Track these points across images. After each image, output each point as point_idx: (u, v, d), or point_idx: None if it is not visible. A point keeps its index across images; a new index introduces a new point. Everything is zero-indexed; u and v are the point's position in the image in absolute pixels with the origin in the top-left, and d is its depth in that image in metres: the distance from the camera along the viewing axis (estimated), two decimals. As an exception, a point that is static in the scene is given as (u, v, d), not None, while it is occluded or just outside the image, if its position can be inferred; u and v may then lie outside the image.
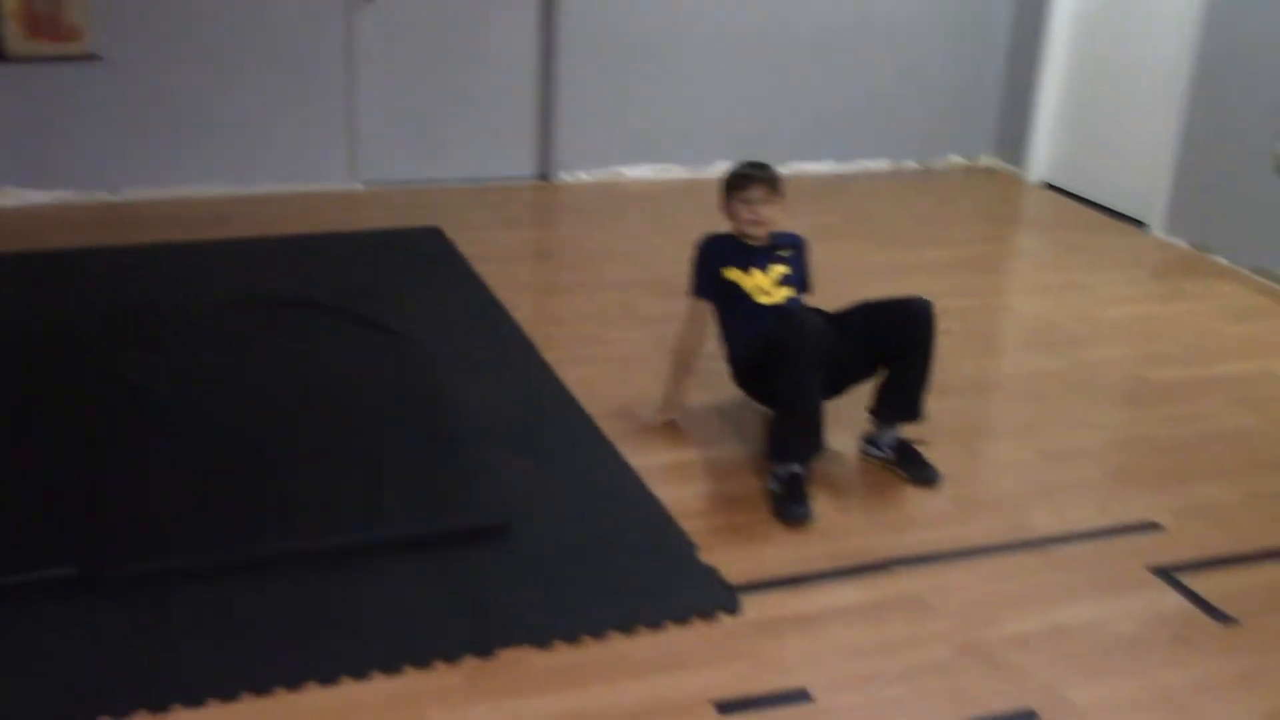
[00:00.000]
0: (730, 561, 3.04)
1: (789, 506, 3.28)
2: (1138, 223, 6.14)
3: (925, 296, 3.51)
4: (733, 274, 3.62)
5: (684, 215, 5.95)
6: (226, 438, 3.49)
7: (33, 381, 3.78)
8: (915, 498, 3.45)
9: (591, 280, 5.05)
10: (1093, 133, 6.55)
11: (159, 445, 3.43)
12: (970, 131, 7.15)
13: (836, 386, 3.53)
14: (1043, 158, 6.86)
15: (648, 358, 4.23)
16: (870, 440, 3.63)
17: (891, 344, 3.49)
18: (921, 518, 3.35)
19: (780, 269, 3.66)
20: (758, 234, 3.64)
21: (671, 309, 4.71)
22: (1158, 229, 5.98)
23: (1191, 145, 5.78)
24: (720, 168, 6.60)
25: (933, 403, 3.58)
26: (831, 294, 5.04)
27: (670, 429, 3.75)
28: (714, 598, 2.89)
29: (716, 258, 3.66)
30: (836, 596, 2.95)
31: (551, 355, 4.22)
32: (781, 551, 3.13)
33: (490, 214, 5.87)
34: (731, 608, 2.86)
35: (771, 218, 3.64)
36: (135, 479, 3.23)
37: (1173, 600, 2.99)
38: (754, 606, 2.88)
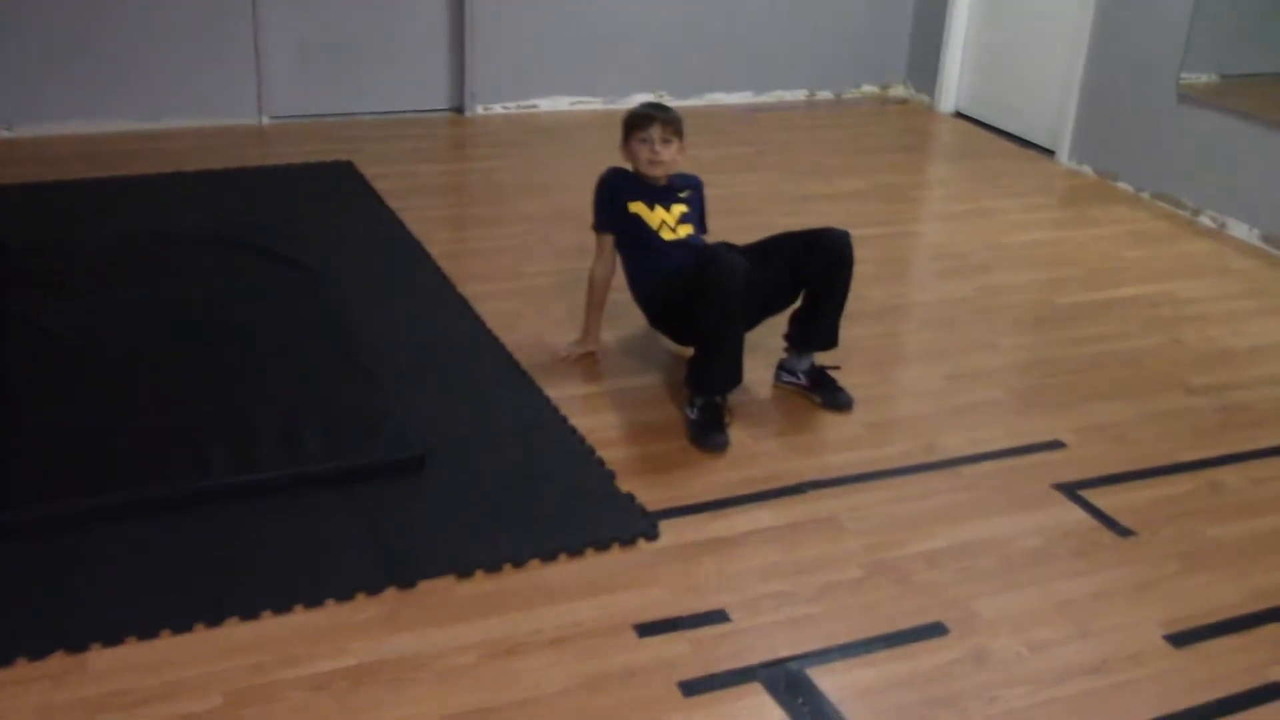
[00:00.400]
0: (648, 489, 3.09)
1: (707, 434, 3.34)
2: (1046, 151, 6.25)
3: (842, 227, 3.56)
4: (638, 208, 3.63)
5: (600, 148, 5.90)
6: (138, 376, 3.44)
7: (-67, 324, 3.69)
8: (829, 423, 3.52)
9: (507, 214, 5.02)
10: (1002, 62, 6.63)
11: (68, 386, 3.37)
12: (883, 62, 7.20)
13: (753, 319, 3.57)
14: (954, 87, 6.93)
15: (564, 290, 4.23)
16: (785, 367, 3.69)
17: (811, 274, 3.53)
18: (835, 442, 3.42)
19: (680, 208, 3.68)
20: (657, 174, 3.64)
21: (586, 241, 4.70)
22: (1065, 157, 6.09)
23: (1097, 74, 5.88)
24: (636, 100, 6.63)
25: (846, 330, 3.63)
26: (748, 224, 5.06)
27: (588, 361, 3.78)
28: (632, 524, 2.93)
29: (621, 192, 3.66)
30: (752, 520, 3.01)
31: (467, 289, 4.21)
32: (698, 478, 3.18)
33: (403, 147, 5.79)
34: (650, 534, 2.90)
35: (671, 158, 3.63)
36: (44, 421, 3.18)
37: (1075, 515, 3.10)
38: (671, 532, 2.93)
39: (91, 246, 4.33)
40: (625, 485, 3.10)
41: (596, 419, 3.43)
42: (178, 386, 3.40)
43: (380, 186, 5.18)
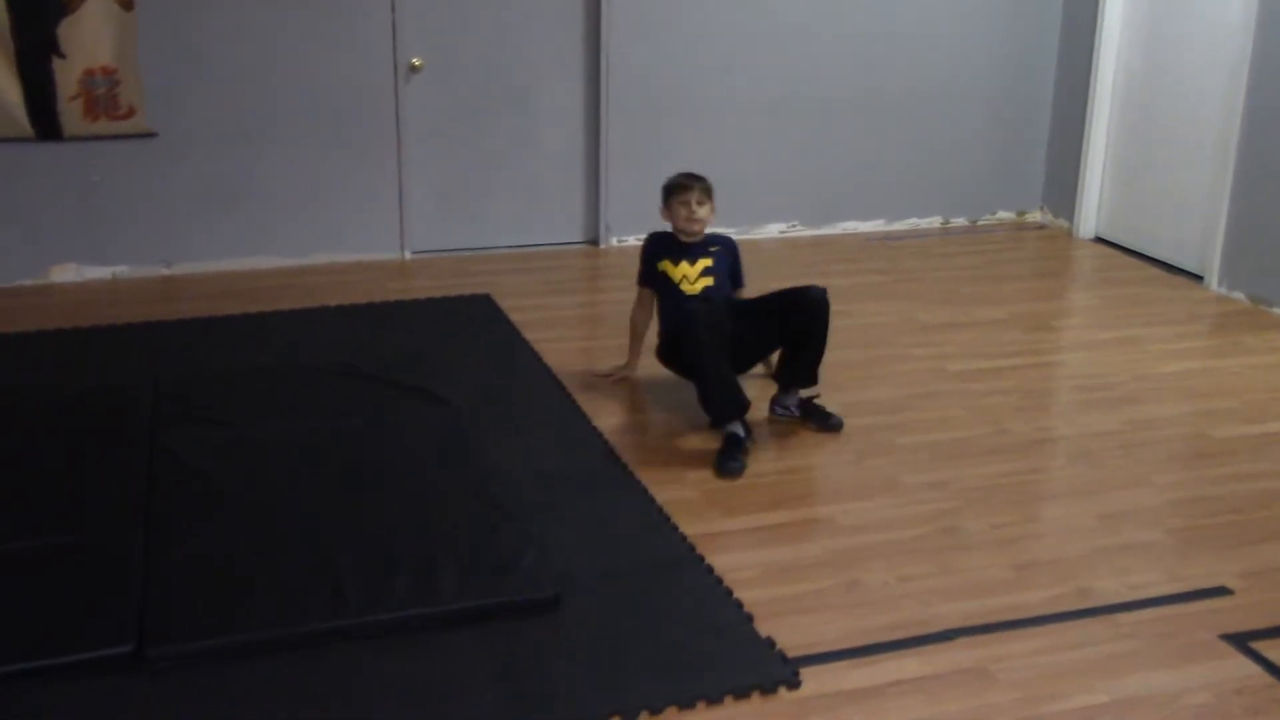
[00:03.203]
0: (788, 632, 3.00)
1: (724, 462, 3.86)
2: (1193, 276, 6.06)
3: (822, 287, 4.17)
4: (665, 266, 4.39)
5: (732, 278, 5.95)
6: (278, 510, 3.50)
7: (87, 456, 3.82)
8: (974, 565, 3.38)
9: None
10: (1143, 186, 6.50)
11: (211, 519, 3.44)
12: (1019, 188, 7.12)
13: (745, 362, 4.26)
14: (1093, 212, 6.80)
15: (701, 424, 4.20)
16: (778, 403, 4.29)
17: (793, 327, 4.16)
18: (981, 585, 3.28)
19: (705, 262, 4.38)
20: (694, 231, 4.37)
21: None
22: (1214, 282, 5.90)
23: (1246, 194, 5.72)
24: (770, 230, 6.68)
25: (986, 465, 3.56)
26: (880, 355, 5.02)
27: (627, 385, 4.51)
28: (773, 671, 2.83)
29: (657, 253, 4.43)
30: (897, 669, 2.89)
31: (601, 422, 4.21)
32: (840, 622, 3.08)
33: (540, 280, 5.89)
34: (792, 682, 2.80)
35: (705, 217, 4.37)
36: (188, 554, 3.24)
37: (1247, 669, 2.90)
38: (813, 680, 2.82)
39: (237, 381, 4.47)
40: (764, 629, 3.01)
41: (732, 557, 3.36)
42: (316, 521, 3.44)
43: (517, 319, 5.26)
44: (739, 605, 3.11)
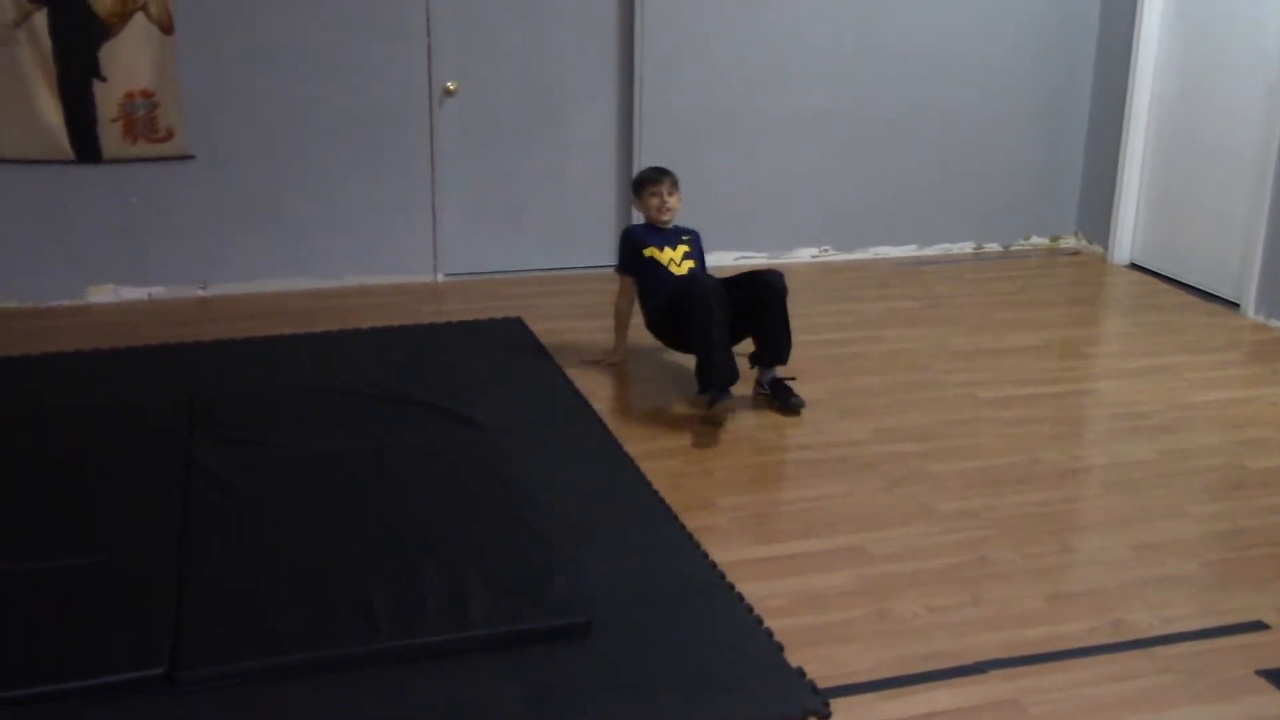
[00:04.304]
0: (819, 662, 2.98)
1: (714, 398, 4.31)
2: (1229, 303, 6.01)
3: (779, 271, 4.64)
4: (651, 251, 4.83)
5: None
6: (309, 532, 3.51)
7: (121, 475, 3.85)
8: (1008, 595, 3.35)
9: (670, 370, 5.04)
10: (1179, 211, 6.45)
11: (244, 540, 3.46)
12: (1053, 213, 7.09)
13: (733, 334, 4.53)
14: (1128, 238, 6.76)
15: (730, 449, 4.20)
16: (758, 382, 4.68)
17: (751, 304, 4.56)
18: (1015, 616, 3.25)
19: (683, 248, 4.86)
20: (665, 220, 4.85)
21: (752, 397, 4.69)
22: (1251, 309, 5.85)
23: (1283, 224, 5.67)
24: (801, 255, 6.67)
25: (1018, 494, 3.53)
26: (914, 381, 5.02)
27: (617, 372, 4.94)
28: (803, 702, 2.82)
29: (640, 241, 4.86)
30: (929, 701, 2.87)
31: (632, 448, 4.21)
32: (871, 652, 3.06)
33: (571, 303, 5.91)
34: (822, 713, 2.78)
35: (675, 206, 4.86)
36: (219, 576, 3.26)
37: (1284, 706, 2.87)
38: (844, 712, 2.80)
39: (270, 400, 4.50)
40: (795, 658, 2.99)
41: (763, 585, 3.35)
42: (348, 543, 3.45)
43: (548, 342, 5.28)
44: (769, 634, 3.09)
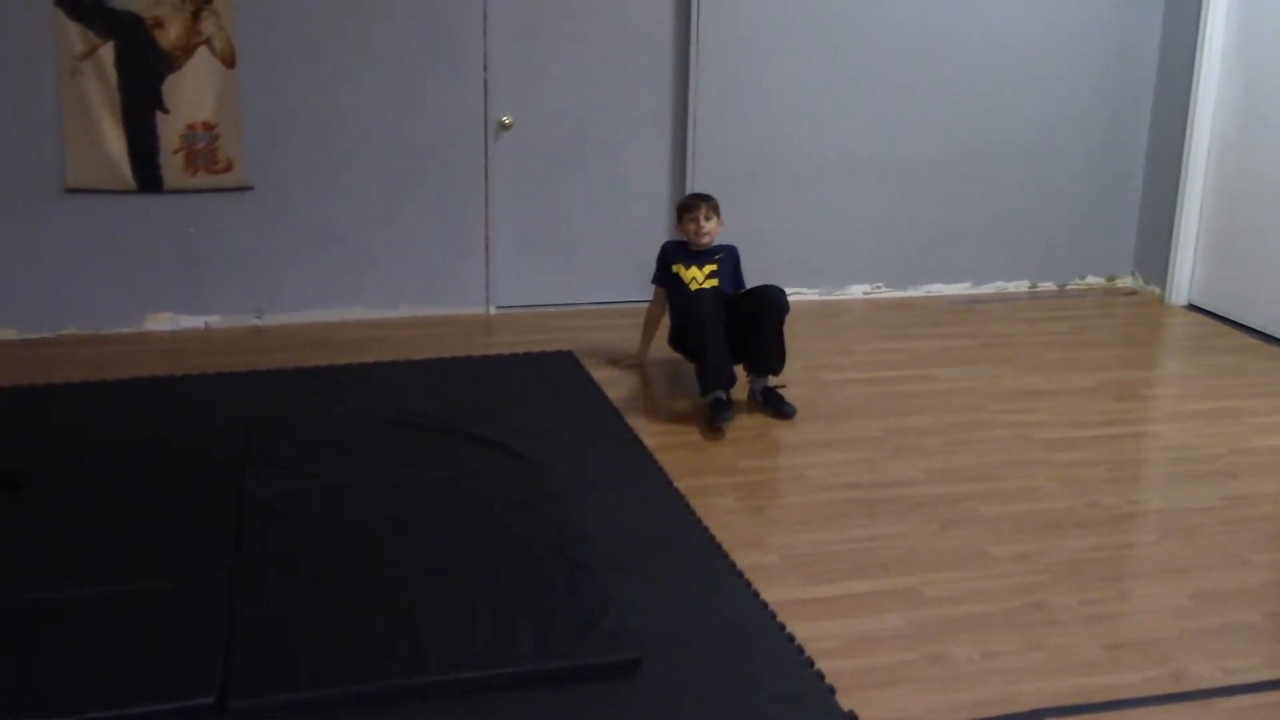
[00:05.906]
0: (871, 706, 2.93)
1: (717, 413, 4.67)
2: (1291, 347, 5.91)
3: (780, 288, 4.93)
4: (678, 268, 5.22)
5: (818, 337, 5.93)
6: (361, 562, 3.52)
7: (175, 503, 3.88)
8: (1065, 644, 3.28)
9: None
10: (1238, 252, 6.36)
11: (296, 570, 3.47)
12: (1109, 252, 7.01)
13: (734, 347, 4.83)
14: (1186, 278, 6.67)
15: (781, 487, 4.17)
16: (752, 391, 4.97)
17: (747, 314, 4.86)
18: (1071, 664, 3.19)
19: (710, 267, 5.19)
20: (701, 242, 5.18)
21: (807, 441, 4.66)
22: (1313, 353, 5.74)
23: (1347, 267, 5.56)
24: (854, 291, 6.64)
25: (1074, 538, 3.48)
26: (967, 421, 4.96)
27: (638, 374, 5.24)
28: (853, 746, 2.78)
29: (671, 257, 5.27)
30: (983, 748, 2.82)
31: (683, 483, 4.19)
32: (924, 695, 3.01)
33: (622, 337, 5.90)
34: (872, 758, 2.74)
35: (712, 230, 5.18)
36: (270, 605, 3.27)
37: (1351, 763, 2.79)
38: (895, 757, 2.76)
39: (322, 430, 4.52)
40: (847, 701, 2.95)
41: (814, 626, 3.31)
42: (398, 575, 3.45)
43: (599, 376, 5.28)
44: (820, 676, 3.05)
